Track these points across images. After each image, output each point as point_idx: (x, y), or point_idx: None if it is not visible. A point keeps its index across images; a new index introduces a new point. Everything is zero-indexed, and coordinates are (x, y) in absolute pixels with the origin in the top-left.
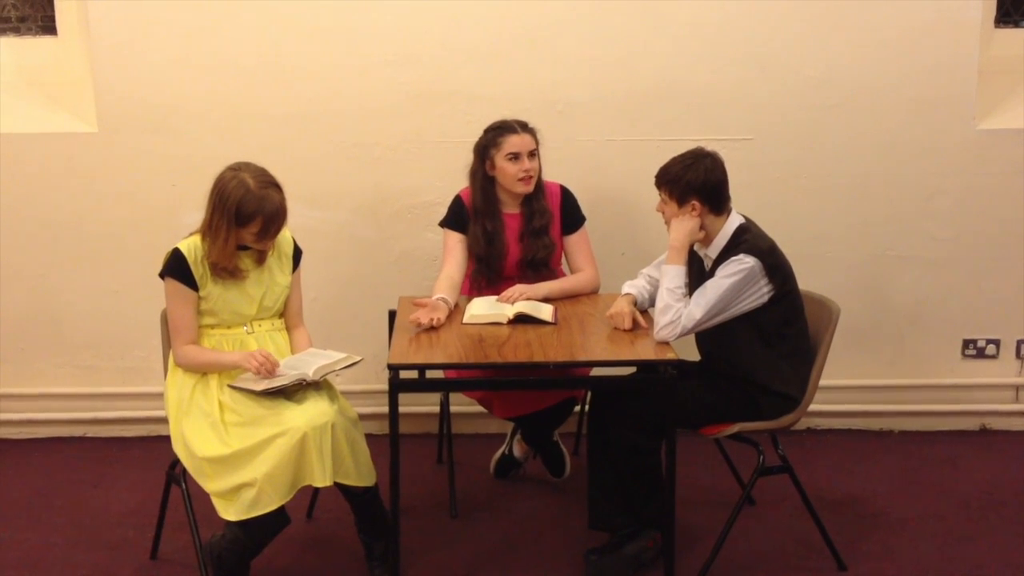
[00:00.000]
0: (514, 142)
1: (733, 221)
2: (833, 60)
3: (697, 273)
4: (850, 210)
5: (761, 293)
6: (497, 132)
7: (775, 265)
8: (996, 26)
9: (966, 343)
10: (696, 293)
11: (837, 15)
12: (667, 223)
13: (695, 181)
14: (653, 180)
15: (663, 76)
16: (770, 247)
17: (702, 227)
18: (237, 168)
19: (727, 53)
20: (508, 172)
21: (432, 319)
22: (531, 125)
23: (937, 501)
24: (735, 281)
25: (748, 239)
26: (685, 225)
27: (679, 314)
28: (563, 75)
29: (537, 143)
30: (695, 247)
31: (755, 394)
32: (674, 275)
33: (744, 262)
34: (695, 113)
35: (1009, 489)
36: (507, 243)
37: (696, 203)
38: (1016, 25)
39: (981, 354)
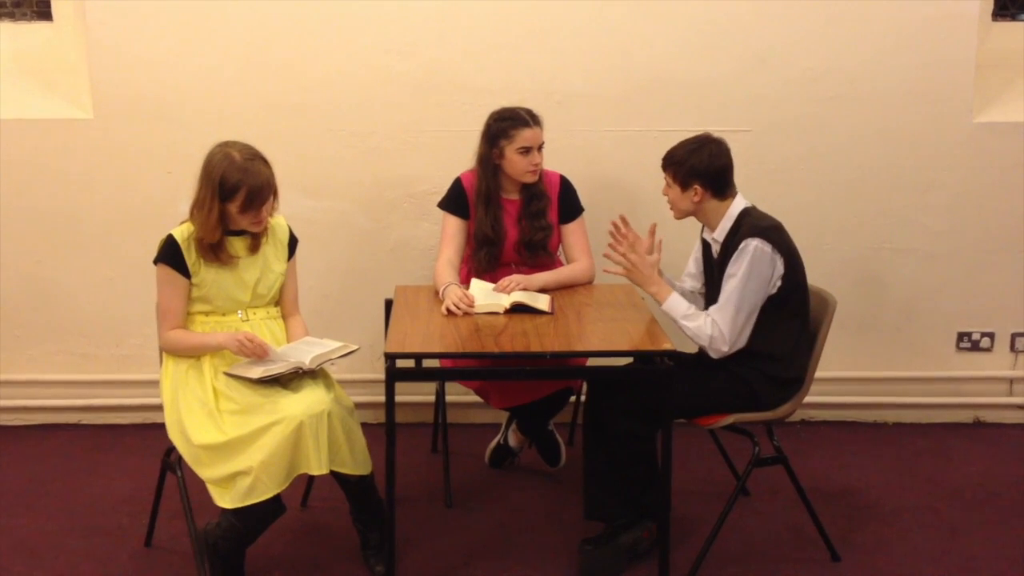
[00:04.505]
0: (527, 136)
1: (737, 205)
2: (831, 53)
3: (708, 260)
4: (847, 202)
5: (777, 268)
6: (510, 124)
7: (780, 240)
8: (993, 19)
9: (961, 336)
10: (718, 309)
11: (835, 8)
12: (671, 207)
13: (699, 166)
14: (650, 170)
15: (661, 67)
16: (773, 225)
17: (703, 211)
18: (225, 144)
19: (726, 45)
20: (519, 165)
21: (465, 301)
22: (537, 114)
23: (931, 493)
24: (745, 268)
25: (749, 222)
26: (647, 276)
27: (710, 333)
28: (561, 66)
29: (543, 133)
30: (703, 233)
31: (752, 381)
32: (675, 304)
33: (747, 245)
34: (693, 104)
35: (1002, 481)
36: (505, 227)
37: (698, 187)
38: (1013, 18)
39: (976, 347)
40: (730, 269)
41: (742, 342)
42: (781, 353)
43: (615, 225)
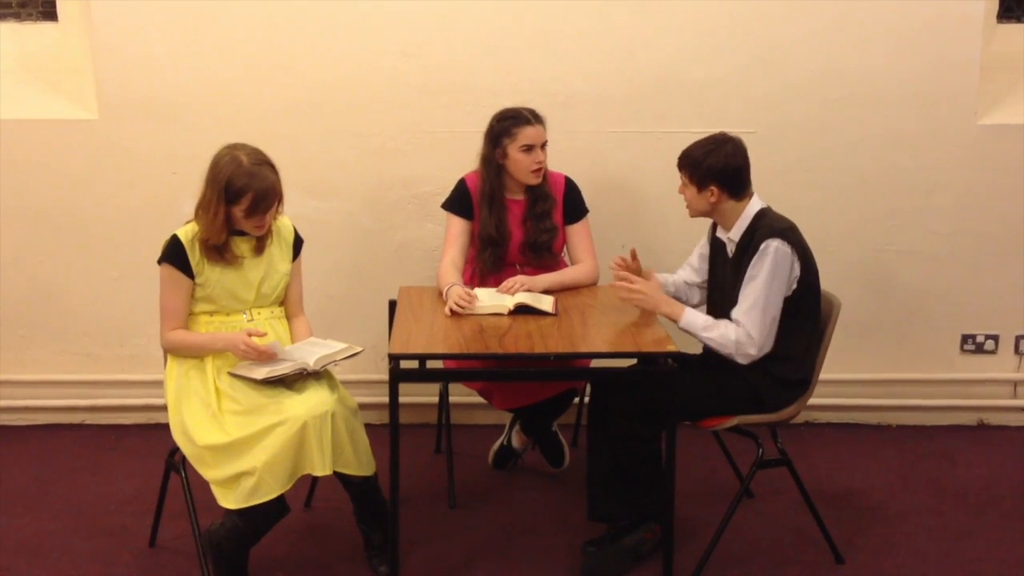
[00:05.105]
0: (529, 134)
1: (754, 205)
2: (835, 54)
3: (722, 260)
4: (851, 204)
5: (795, 270)
6: (512, 122)
7: (797, 242)
8: (998, 21)
9: (965, 338)
10: (744, 312)
11: (839, 9)
12: (687, 206)
13: (715, 166)
14: (654, 171)
15: (665, 68)
16: (790, 226)
17: (719, 211)
18: (233, 147)
19: (730, 46)
20: (522, 164)
21: (466, 299)
22: (540, 113)
23: (934, 495)
24: (768, 269)
25: (766, 222)
26: (658, 299)
27: (736, 338)
28: (565, 67)
29: (545, 132)
30: (718, 232)
31: (757, 383)
32: (692, 319)
33: (768, 247)
34: (697, 106)
35: (1006, 484)
36: (510, 228)
37: (715, 188)
38: (1018, 20)
39: (980, 349)
40: (751, 271)
41: (769, 345)
42: (792, 355)
43: (616, 266)
